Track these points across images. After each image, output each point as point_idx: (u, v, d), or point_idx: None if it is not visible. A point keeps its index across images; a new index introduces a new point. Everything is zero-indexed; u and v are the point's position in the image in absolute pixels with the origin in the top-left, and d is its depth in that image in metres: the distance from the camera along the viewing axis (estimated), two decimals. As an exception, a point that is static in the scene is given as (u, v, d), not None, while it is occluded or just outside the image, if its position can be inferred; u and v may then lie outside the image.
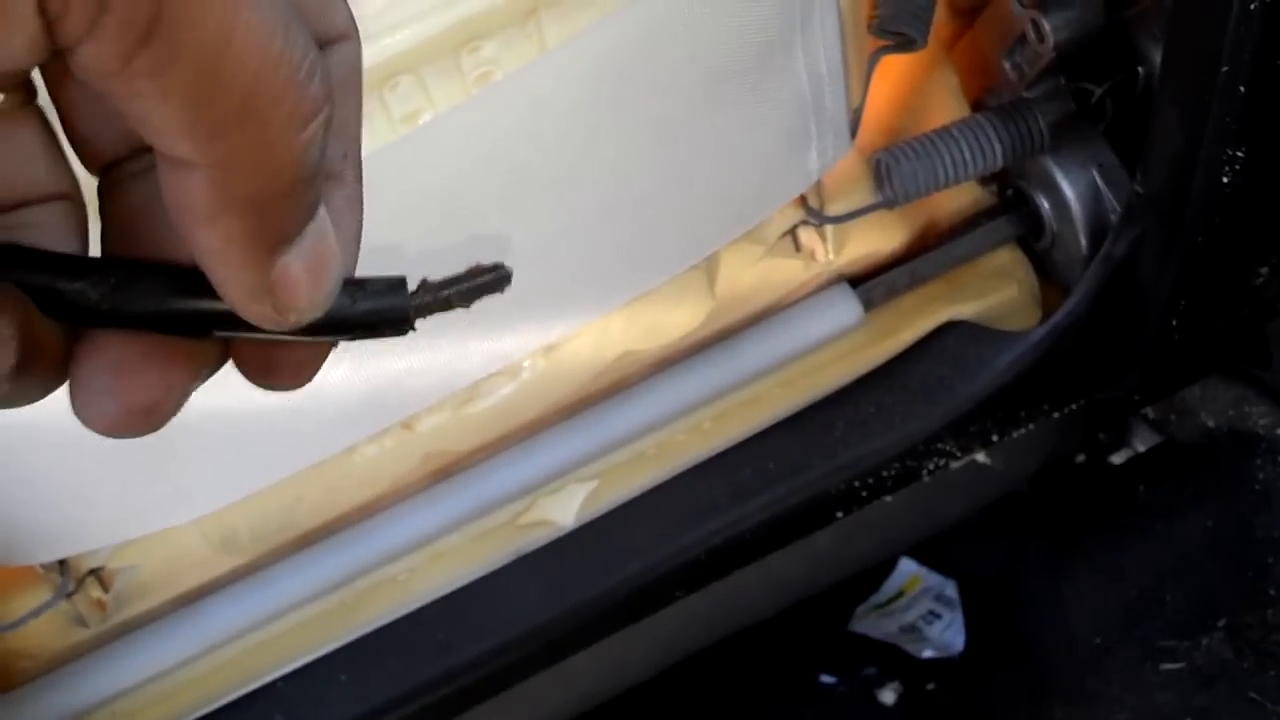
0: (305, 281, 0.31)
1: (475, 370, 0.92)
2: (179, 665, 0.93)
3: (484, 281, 0.35)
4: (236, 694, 0.94)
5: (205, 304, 0.32)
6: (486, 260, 0.36)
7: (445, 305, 0.35)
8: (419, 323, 0.35)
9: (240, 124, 0.28)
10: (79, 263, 0.32)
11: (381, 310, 0.34)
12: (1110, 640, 1.22)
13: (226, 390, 0.83)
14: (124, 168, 0.35)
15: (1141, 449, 1.34)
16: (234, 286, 0.31)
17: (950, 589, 1.41)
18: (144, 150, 0.34)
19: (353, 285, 0.34)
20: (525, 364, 0.96)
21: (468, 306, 0.35)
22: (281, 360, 0.34)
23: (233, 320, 0.32)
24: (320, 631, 0.96)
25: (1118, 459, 1.34)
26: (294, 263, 0.31)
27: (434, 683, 0.97)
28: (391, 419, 0.91)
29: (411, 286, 0.35)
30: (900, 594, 1.46)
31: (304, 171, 0.30)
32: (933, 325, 1.04)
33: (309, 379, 0.35)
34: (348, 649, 0.96)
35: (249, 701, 0.94)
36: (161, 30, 0.26)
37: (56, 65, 0.33)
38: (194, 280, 0.32)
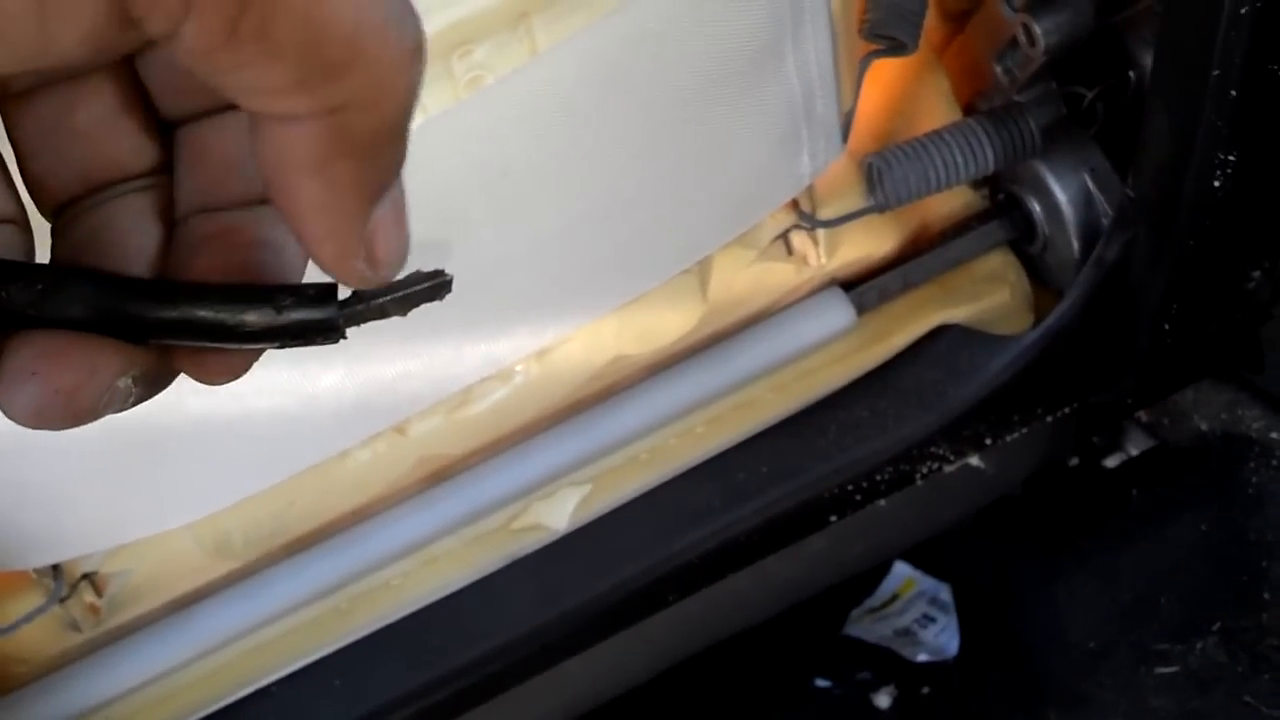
0: (394, 232, 0.31)
1: (468, 374, 0.92)
2: (173, 670, 0.93)
3: (421, 289, 0.35)
4: (230, 699, 0.94)
5: (137, 309, 0.32)
6: (427, 268, 0.35)
7: (380, 313, 0.35)
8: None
9: (350, 68, 0.28)
10: (7, 267, 0.32)
11: (312, 319, 0.34)
12: (1105, 644, 1.22)
13: (218, 395, 0.83)
14: (78, 205, 0.34)
15: (1135, 452, 1.34)
16: (332, 243, 0.31)
17: (944, 593, 1.41)
18: (99, 189, 0.34)
19: (282, 292, 0.34)
20: (518, 368, 0.97)
21: (404, 314, 0.35)
22: (214, 361, 0.34)
23: (167, 326, 0.32)
24: (314, 636, 0.96)
25: (1111, 462, 1.34)
26: (385, 213, 0.31)
27: (428, 687, 0.97)
28: (384, 423, 0.91)
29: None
30: (895, 598, 1.46)
31: (410, 108, 0.30)
32: (925, 329, 1.04)
33: (243, 374, 0.35)
34: (341, 653, 0.96)
35: (243, 706, 0.94)
36: None
37: (15, 103, 0.33)
38: (127, 286, 0.32)
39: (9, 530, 0.83)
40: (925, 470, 1.05)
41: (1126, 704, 1.17)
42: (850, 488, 1.03)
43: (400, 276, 0.35)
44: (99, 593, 0.92)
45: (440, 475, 0.99)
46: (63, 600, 0.88)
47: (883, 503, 1.06)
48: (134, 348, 0.32)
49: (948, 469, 1.06)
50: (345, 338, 0.34)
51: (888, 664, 1.40)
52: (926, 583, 1.44)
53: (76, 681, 0.92)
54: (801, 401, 1.03)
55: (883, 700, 1.38)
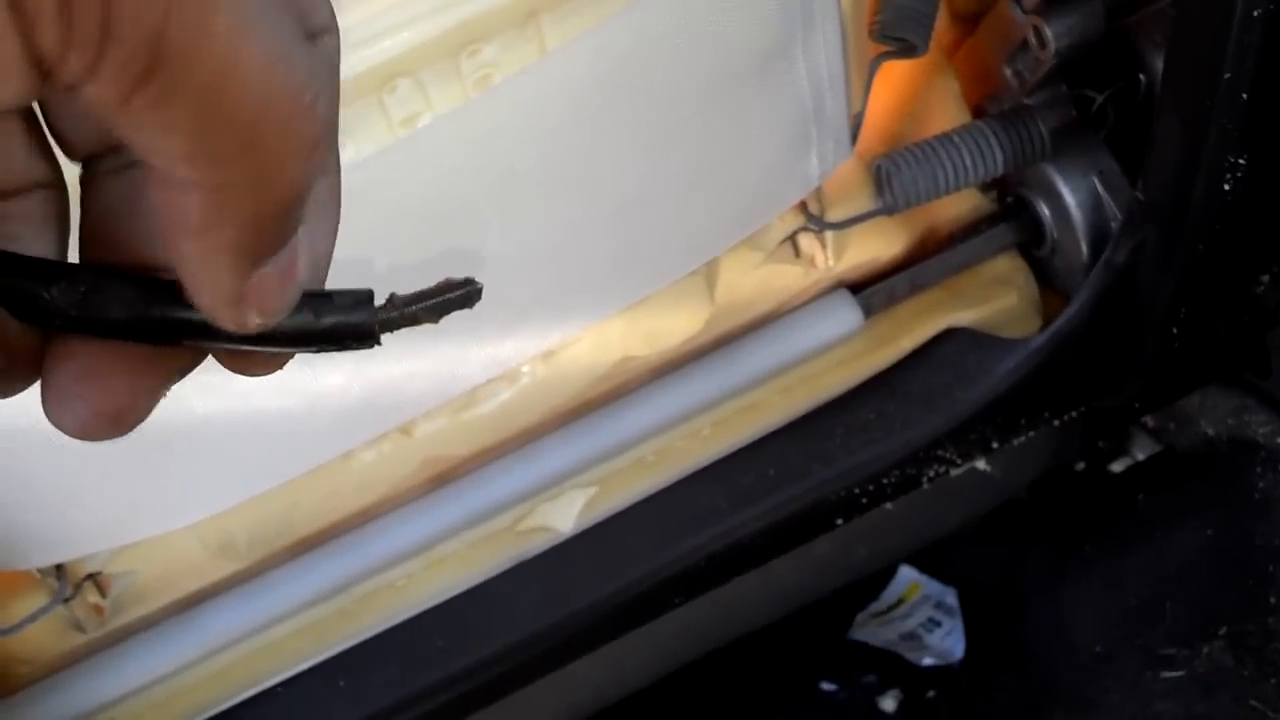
0: (276, 289, 0.32)
1: (474, 375, 0.91)
2: (177, 671, 0.93)
3: (453, 297, 0.35)
4: (235, 700, 0.93)
5: (176, 312, 0.33)
6: (459, 275, 0.36)
7: (413, 320, 0.35)
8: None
9: (243, 154, 0.28)
10: (53, 268, 0.32)
11: (347, 324, 0.34)
12: (1111, 648, 1.21)
13: (225, 394, 0.83)
14: (103, 161, 0.35)
15: (1141, 457, 1.33)
16: (209, 294, 0.31)
17: (950, 596, 1.41)
18: (122, 148, 0.34)
19: (320, 298, 0.34)
20: (524, 369, 0.96)
21: (436, 321, 0.35)
22: (255, 359, 0.35)
23: (203, 329, 0.33)
24: (319, 637, 0.95)
25: (1117, 467, 1.34)
26: (269, 273, 0.31)
27: (433, 689, 0.97)
28: (390, 424, 0.91)
29: (381, 299, 0.35)
30: (900, 601, 1.45)
31: (301, 194, 0.30)
32: (932, 332, 1.04)
33: (281, 367, 0.36)
34: (346, 655, 0.96)
35: (248, 707, 0.94)
36: (162, 69, 0.26)
37: None
38: (166, 289, 0.33)
39: (13, 529, 0.82)
40: (932, 474, 1.05)
41: (1132, 708, 1.17)
42: (857, 491, 1.02)
43: (432, 284, 0.36)
44: (103, 593, 0.91)
45: (445, 476, 0.98)
46: (67, 600, 0.88)
47: (889, 506, 1.06)
48: (170, 355, 0.33)
49: (954, 472, 1.06)
50: (379, 344, 0.35)
51: (893, 668, 1.39)
52: (932, 587, 1.44)
53: (81, 682, 0.91)
54: (808, 404, 1.03)
55: (888, 704, 1.37)
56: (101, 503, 0.83)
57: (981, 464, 1.07)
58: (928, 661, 1.39)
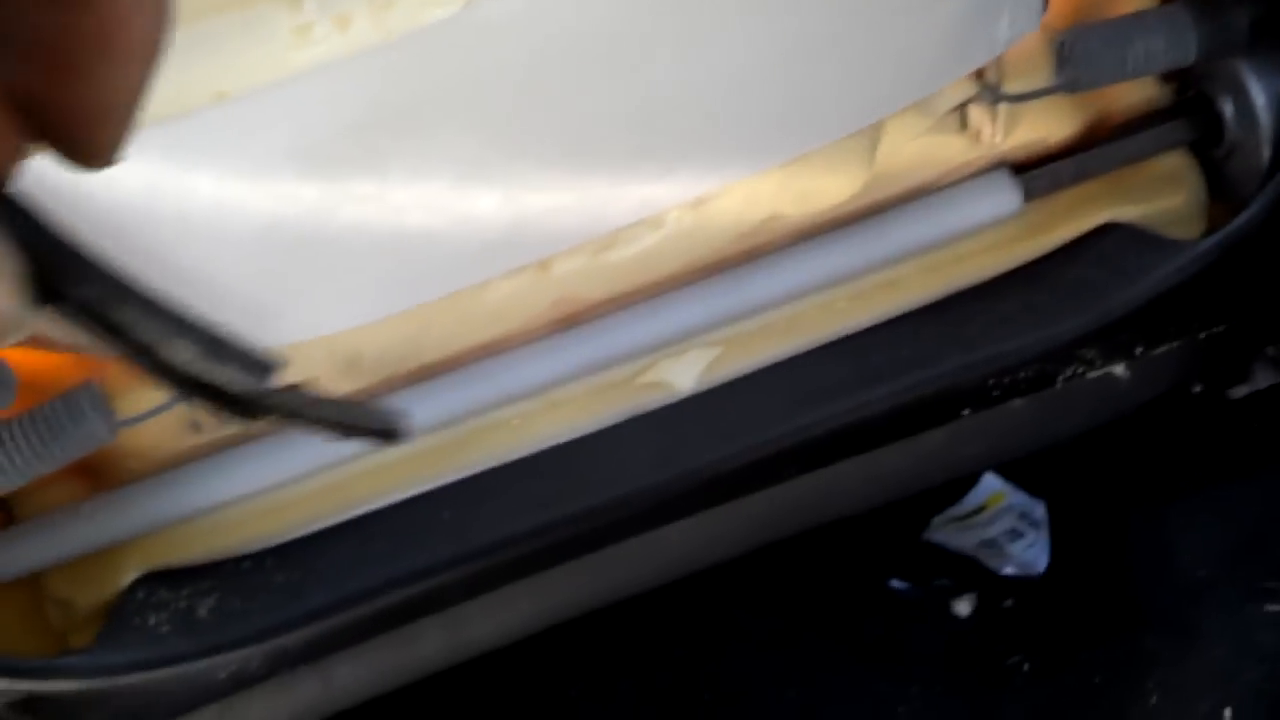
0: None
1: (621, 216, 0.88)
2: (286, 483, 0.91)
3: (364, 420, 0.33)
4: (341, 517, 0.91)
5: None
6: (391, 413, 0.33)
7: (300, 416, 0.32)
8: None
9: None
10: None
11: (227, 384, 0.31)
12: (1212, 576, 1.18)
13: (375, 205, 0.79)
14: None
15: (1263, 385, 1.29)
16: None
17: (1039, 510, 1.38)
18: None
19: (216, 341, 0.30)
20: (671, 216, 0.92)
21: (322, 433, 0.32)
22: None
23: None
24: (429, 466, 0.93)
25: (1237, 393, 1.29)
26: None
27: (534, 532, 0.94)
28: (533, 256, 0.88)
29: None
30: (981, 509, 1.42)
31: None
32: (1092, 224, 0.99)
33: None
34: (454, 487, 0.94)
35: (351, 527, 0.91)
36: None
37: None
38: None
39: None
40: (1069, 373, 1.01)
41: (1231, 637, 1.14)
42: (991, 382, 0.98)
43: (358, 404, 0.33)
44: (223, 395, 0.88)
45: (574, 319, 0.95)
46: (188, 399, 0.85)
47: (1019, 402, 1.02)
48: None
49: (1091, 375, 1.02)
50: (256, 419, 0.31)
51: (970, 573, 1.37)
52: (1017, 497, 1.41)
53: (188, 482, 0.89)
54: (951, 287, 0.99)
55: (962, 608, 1.35)
56: (241, 300, 0.80)
57: (1120, 369, 1.03)
58: (1008, 570, 1.36)
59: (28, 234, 0.29)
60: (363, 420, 0.33)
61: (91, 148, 0.29)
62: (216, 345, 0.30)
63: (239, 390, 0.31)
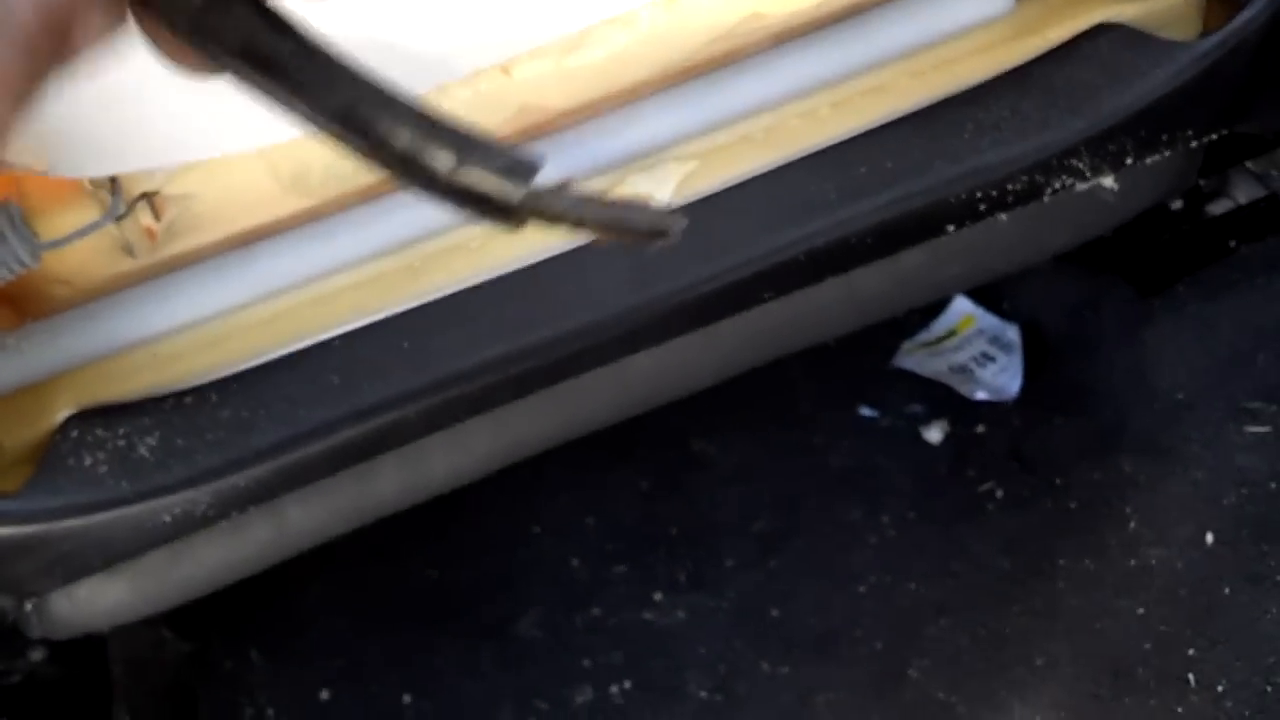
0: None
1: (590, 11, 0.80)
2: (228, 311, 0.84)
3: (634, 222, 0.31)
4: (289, 349, 0.85)
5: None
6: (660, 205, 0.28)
7: (572, 219, 0.30)
8: None
9: None
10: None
11: (487, 186, 0.30)
12: (1193, 396, 1.16)
13: (317, 9, 0.71)
14: None
15: (1243, 201, 1.25)
16: None
17: (1011, 332, 1.34)
18: None
19: (471, 143, 0.30)
20: (643, 14, 0.85)
21: (598, 235, 0.30)
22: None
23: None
24: (384, 292, 0.86)
25: (1216, 209, 1.25)
26: None
27: (498, 362, 0.88)
28: (491, 58, 0.80)
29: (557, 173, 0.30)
30: (951, 334, 1.38)
31: None
32: (1085, 25, 0.93)
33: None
34: (411, 314, 0.87)
35: (302, 358, 0.85)
36: None
37: None
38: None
39: (68, 131, 0.71)
40: (1058, 185, 0.95)
41: (1211, 459, 1.12)
42: (979, 195, 0.93)
43: (619, 197, 0.31)
44: (157, 216, 0.81)
45: (539, 130, 0.88)
46: (119, 219, 0.78)
47: (1003, 218, 0.97)
48: None
49: (1080, 187, 0.96)
50: (520, 226, 0.30)
51: (941, 399, 1.33)
52: (988, 321, 1.37)
53: (123, 310, 0.82)
54: (939, 93, 0.93)
55: (933, 435, 1.32)
56: (169, 109, 0.72)
57: (1109, 181, 0.98)
58: (980, 395, 1.32)
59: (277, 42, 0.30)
60: (631, 220, 0.31)
61: None
62: (476, 149, 0.30)
63: (502, 195, 0.30)
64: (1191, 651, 1.06)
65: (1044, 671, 1.11)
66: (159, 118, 0.73)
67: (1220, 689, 1.03)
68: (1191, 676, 1.04)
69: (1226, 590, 1.06)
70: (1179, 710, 1.04)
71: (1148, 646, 1.08)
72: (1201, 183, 1.25)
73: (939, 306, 1.38)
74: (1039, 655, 1.12)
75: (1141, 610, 1.09)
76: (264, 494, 0.88)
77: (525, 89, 0.85)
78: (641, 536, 1.25)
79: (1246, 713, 1.01)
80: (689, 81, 0.90)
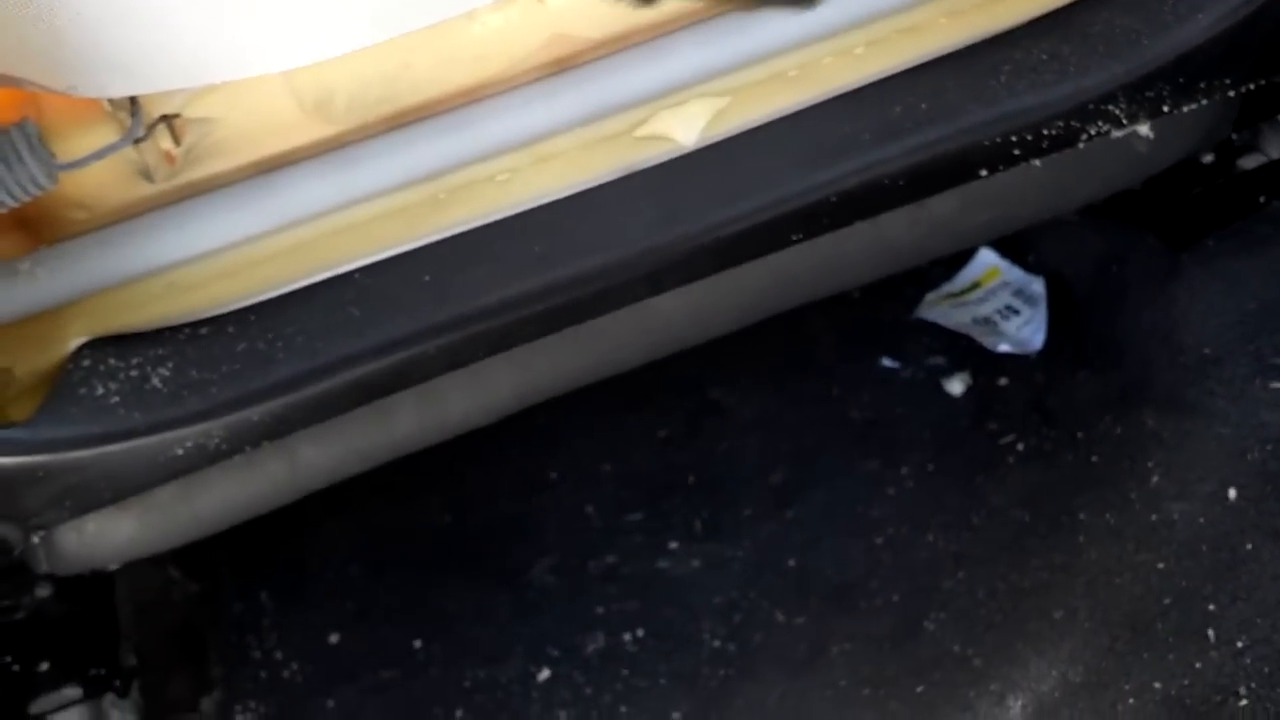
0: None
1: (624, -60, 0.78)
2: (248, 240, 0.82)
3: None
4: (309, 280, 0.83)
5: None
6: None
7: None
8: None
9: None
10: None
11: None
12: (1219, 351, 1.14)
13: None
14: None
15: (1275, 156, 1.23)
16: None
17: (1036, 285, 1.32)
18: None
19: None
20: (677, -56, 0.83)
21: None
22: None
23: None
24: (407, 224, 0.84)
25: (1248, 164, 1.23)
26: None
27: (521, 299, 0.87)
28: (523, -17, 0.78)
29: None
30: (975, 285, 1.37)
31: None
32: (1128, -33, 0.91)
33: None
34: (434, 248, 0.85)
35: (322, 289, 0.83)
36: None
37: None
38: None
39: (86, 47, 0.69)
40: (1094, 131, 0.93)
41: (1237, 415, 1.10)
42: (1014, 139, 0.91)
43: None
44: (177, 140, 0.79)
45: (569, 62, 0.86)
46: (138, 142, 0.76)
47: (1036, 165, 0.95)
48: None
49: (1116, 134, 0.95)
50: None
51: (964, 351, 1.32)
52: (1014, 273, 1.35)
53: (139, 238, 0.80)
54: (976, 34, 0.90)
55: (955, 387, 1.30)
56: (192, 25, 0.70)
57: (1145, 129, 0.96)
58: (1003, 348, 1.31)
59: None
60: None
61: None
62: None
63: None
64: (1211, 607, 1.05)
65: (1062, 625, 1.10)
66: (182, 36, 0.71)
67: (1240, 644, 1.02)
68: (1211, 632, 1.03)
69: (1248, 546, 1.05)
70: (1197, 665, 1.03)
71: (1167, 601, 1.07)
72: (1234, 136, 1.23)
73: (963, 258, 1.36)
74: (1057, 609, 1.11)
75: (1162, 565, 1.08)
76: (279, 429, 0.86)
77: (558, 18, 0.83)
78: (658, 484, 1.24)
79: (1266, 669, 1.00)
80: (722, 16, 0.88)
